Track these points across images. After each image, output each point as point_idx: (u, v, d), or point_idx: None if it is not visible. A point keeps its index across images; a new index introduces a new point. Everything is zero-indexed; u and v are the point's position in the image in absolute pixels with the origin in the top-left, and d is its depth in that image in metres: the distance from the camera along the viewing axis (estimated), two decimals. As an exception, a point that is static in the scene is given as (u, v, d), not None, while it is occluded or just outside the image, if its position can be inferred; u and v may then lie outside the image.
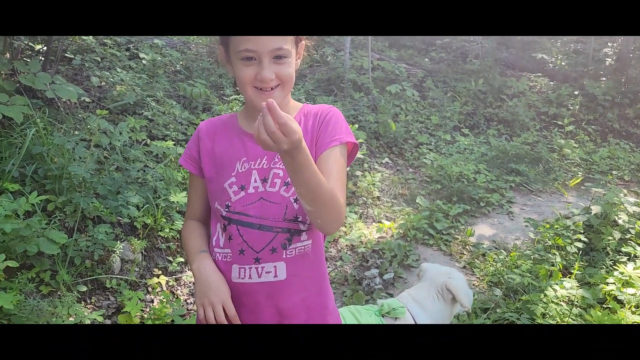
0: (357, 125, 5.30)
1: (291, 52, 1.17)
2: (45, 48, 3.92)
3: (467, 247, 4.00)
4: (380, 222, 4.24)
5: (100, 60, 4.88)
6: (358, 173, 4.89)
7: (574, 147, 6.63)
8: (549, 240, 3.83)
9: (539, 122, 7.36)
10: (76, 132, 3.41)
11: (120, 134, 3.42)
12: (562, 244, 3.69)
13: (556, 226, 3.87)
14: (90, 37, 4.95)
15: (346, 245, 3.83)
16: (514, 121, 7.17)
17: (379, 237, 3.98)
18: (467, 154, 5.94)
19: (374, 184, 4.72)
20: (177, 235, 3.24)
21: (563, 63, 9.09)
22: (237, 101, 4.98)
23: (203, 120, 4.50)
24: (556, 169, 5.94)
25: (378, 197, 4.69)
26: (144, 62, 5.17)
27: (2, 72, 3.21)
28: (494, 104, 7.54)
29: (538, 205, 4.93)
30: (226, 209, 1.24)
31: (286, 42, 1.15)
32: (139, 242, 2.96)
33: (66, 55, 4.65)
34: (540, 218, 4.50)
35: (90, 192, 2.79)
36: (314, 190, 1.03)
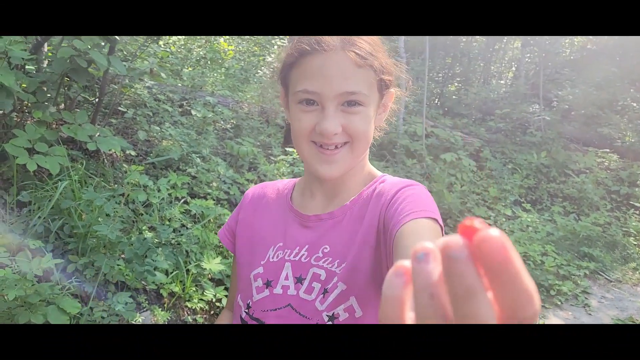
0: (410, 194, 4.94)
1: (370, 100, 0.82)
2: (97, 100, 3.88)
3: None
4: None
5: (152, 114, 4.84)
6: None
7: (653, 232, 5.93)
8: None
9: (610, 202, 6.72)
10: (114, 187, 3.23)
11: (159, 190, 3.21)
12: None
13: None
14: (145, 92, 4.96)
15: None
16: (581, 199, 6.57)
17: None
18: (531, 232, 5.39)
19: (427, 260, 4.26)
20: (206, 307, 2.90)
21: (633, 140, 8.47)
22: (284, 161, 4.76)
23: (248, 180, 4.12)
24: (635, 256, 5.26)
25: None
26: (195, 118, 5.10)
27: (48, 121, 3.11)
28: (558, 178, 6.99)
29: (619, 299, 4.27)
30: (246, 310, 0.91)
31: (363, 85, 0.80)
32: (162, 312, 2.63)
33: (119, 108, 4.64)
34: (624, 315, 3.86)
35: (117, 253, 2.53)
36: None
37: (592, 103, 8.58)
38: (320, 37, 0.80)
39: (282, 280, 0.88)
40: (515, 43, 11.14)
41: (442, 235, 0.76)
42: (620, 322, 3.48)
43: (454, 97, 10.08)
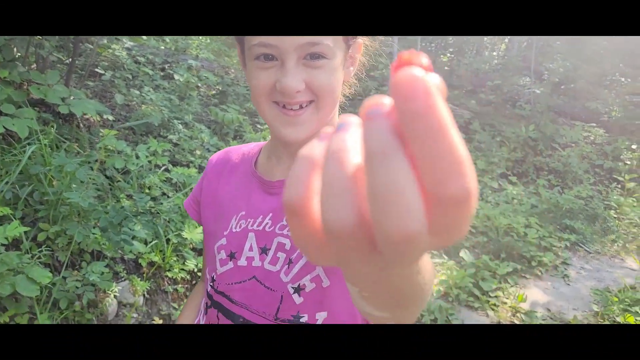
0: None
1: (335, 51, 0.72)
2: (70, 60, 3.69)
3: (517, 314, 3.45)
4: (417, 276, 3.74)
5: (131, 77, 4.65)
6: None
7: (634, 206, 5.98)
8: (617, 316, 3.26)
9: (593, 176, 6.75)
10: (89, 152, 3.10)
11: (138, 157, 3.09)
12: (634, 322, 3.12)
13: (625, 300, 3.29)
14: (124, 53, 4.75)
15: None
16: (566, 172, 6.60)
17: (415, 295, 3.47)
18: (515, 205, 5.40)
19: (412, 232, 4.23)
20: (188, 277, 2.84)
21: (619, 115, 8.47)
22: (269, 130, 4.64)
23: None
24: (615, 228, 5.31)
25: (416, 247, 4.19)
26: (177, 82, 4.92)
27: (16, 81, 2.95)
28: (545, 152, 6.99)
29: (597, 270, 4.31)
30: (211, 283, 0.85)
31: (326, 36, 0.71)
32: (142, 282, 2.56)
33: (96, 70, 4.44)
34: (601, 285, 3.90)
35: (91, 222, 2.43)
36: (407, 296, 0.40)
37: (581, 77, 8.52)
38: None
39: (246, 252, 0.81)
40: (507, 13, 10.96)
41: None
42: (600, 293, 3.50)
43: (446, 68, 9.93)
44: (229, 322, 0.80)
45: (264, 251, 0.79)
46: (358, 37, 0.79)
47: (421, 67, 0.22)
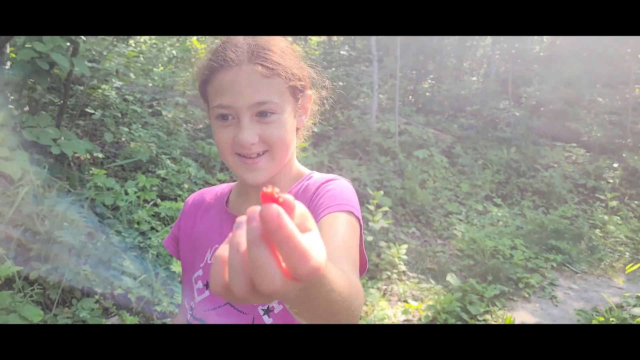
0: (382, 192, 4.97)
1: (283, 107, 0.86)
2: (62, 102, 3.80)
3: (505, 336, 3.50)
4: (406, 301, 3.80)
5: (120, 115, 4.76)
6: (382, 244, 4.49)
7: (618, 224, 6.12)
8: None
9: (577, 195, 6.91)
10: (82, 191, 3.17)
11: (127, 193, 3.17)
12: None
13: (611, 319, 3.37)
14: (113, 92, 4.87)
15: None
16: (550, 192, 6.74)
17: (404, 320, 3.53)
18: (501, 227, 5.50)
19: (399, 257, 4.31)
20: (176, 310, 2.88)
21: (599, 134, 8.71)
22: (256, 162, 4.74)
23: (220, 180, 4.17)
24: (601, 247, 5.42)
25: (404, 272, 4.26)
26: (165, 119, 5.04)
27: (9, 124, 3.04)
28: (528, 173, 7.15)
29: (585, 290, 4.40)
30: (190, 312, 0.95)
31: (274, 94, 0.84)
32: (131, 317, 2.61)
33: (87, 110, 4.55)
34: (589, 306, 3.98)
35: (82, 259, 2.49)
36: (326, 310, 0.55)
37: (559, 98, 8.78)
38: (228, 52, 0.83)
39: None
40: (486, 40, 11.31)
41: (359, 225, 0.82)
42: (584, 314, 3.58)
43: (427, 94, 10.18)
44: None
45: None
46: (306, 90, 0.92)
47: (275, 198, 0.38)
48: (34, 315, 2.02)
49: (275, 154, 0.87)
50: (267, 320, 0.85)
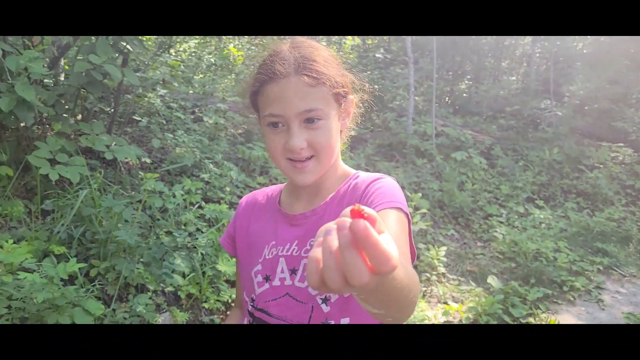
0: (420, 194, 4.97)
1: (328, 113, 0.93)
2: (113, 110, 4.01)
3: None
4: (446, 303, 3.80)
5: (165, 122, 4.97)
6: (421, 245, 4.50)
7: (669, 226, 5.88)
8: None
9: (625, 197, 6.67)
10: (132, 194, 3.35)
11: (174, 196, 3.32)
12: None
13: (661, 322, 3.27)
14: (158, 100, 5.09)
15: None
16: (595, 194, 6.54)
17: (445, 322, 3.53)
18: (543, 229, 5.40)
19: (438, 259, 4.31)
20: (223, 308, 3.00)
21: (647, 133, 8.38)
22: (296, 165, 4.85)
23: (260, 184, 4.29)
24: (650, 250, 5.24)
25: (443, 274, 4.25)
26: (206, 124, 5.22)
27: (67, 132, 3.25)
28: (572, 174, 6.96)
29: (634, 294, 4.26)
30: (251, 303, 1.04)
31: (320, 102, 0.91)
32: (181, 313, 2.74)
33: (134, 117, 4.77)
34: (638, 310, 3.86)
35: (136, 257, 2.64)
36: (389, 297, 0.64)
37: (605, 97, 8.51)
38: (276, 65, 0.91)
39: (279, 274, 0.99)
40: (525, 38, 11.08)
41: (407, 220, 0.89)
42: (634, 317, 3.48)
43: (464, 95, 10.07)
44: None
45: (293, 272, 0.98)
46: (349, 95, 1.00)
47: (361, 214, 0.47)
48: (96, 309, 2.16)
49: (321, 157, 0.95)
50: (325, 308, 0.93)
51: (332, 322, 0.93)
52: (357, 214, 0.48)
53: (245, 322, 1.07)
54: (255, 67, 0.99)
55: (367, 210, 0.48)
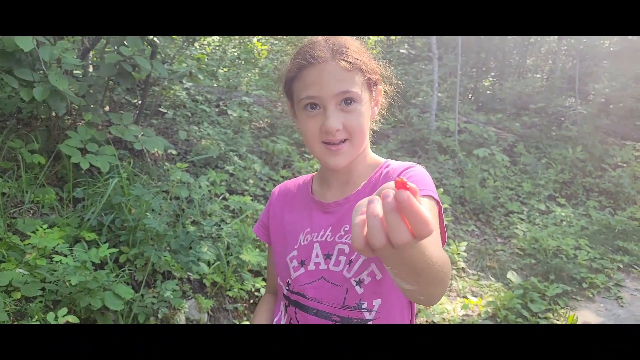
0: (442, 189, 4.98)
1: (362, 97, 0.98)
2: (140, 102, 4.11)
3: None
4: (465, 297, 3.81)
5: (190, 115, 5.07)
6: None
7: (694, 227, 5.76)
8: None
9: (648, 196, 6.56)
10: (158, 184, 3.44)
11: (200, 187, 3.40)
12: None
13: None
14: (184, 93, 5.18)
15: (425, 323, 3.44)
16: (618, 193, 6.45)
17: (463, 315, 3.55)
18: (564, 227, 5.35)
19: (458, 254, 4.32)
20: (246, 296, 3.07)
21: (674, 132, 8.19)
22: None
23: (283, 177, 4.38)
24: (673, 250, 5.15)
25: (463, 269, 4.26)
26: (231, 117, 5.30)
27: (97, 122, 3.35)
28: (594, 173, 6.87)
29: (654, 293, 4.22)
30: (287, 287, 1.08)
31: (355, 85, 0.96)
32: (206, 301, 2.82)
33: (160, 109, 4.88)
34: (659, 309, 3.82)
35: (164, 245, 2.73)
36: (421, 271, 0.68)
37: (630, 96, 8.34)
38: (314, 51, 0.96)
39: (314, 258, 1.04)
40: (551, 36, 10.91)
41: (438, 207, 0.93)
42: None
43: (488, 92, 9.97)
44: (305, 314, 1.03)
45: (327, 257, 1.03)
46: (378, 84, 1.04)
47: (405, 185, 0.54)
48: (126, 293, 2.25)
49: (355, 140, 0.99)
50: (359, 290, 0.97)
51: (365, 304, 0.97)
52: (401, 185, 0.55)
53: (282, 305, 1.12)
54: (289, 56, 1.03)
55: (409, 183, 0.55)
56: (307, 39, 1.02)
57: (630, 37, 10.64)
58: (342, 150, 0.98)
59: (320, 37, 1.00)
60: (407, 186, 0.55)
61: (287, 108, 1.09)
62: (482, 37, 9.33)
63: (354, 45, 0.99)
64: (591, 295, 4.04)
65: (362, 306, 0.98)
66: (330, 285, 1.00)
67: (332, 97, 0.95)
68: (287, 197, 1.18)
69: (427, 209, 0.87)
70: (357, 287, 0.98)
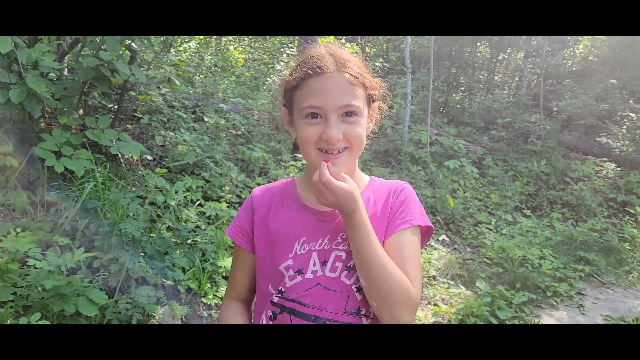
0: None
1: (363, 111, 1.02)
2: (117, 107, 4.08)
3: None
4: (436, 304, 3.91)
5: (166, 120, 5.04)
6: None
7: (649, 238, 6.06)
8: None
9: (607, 209, 6.87)
10: (133, 189, 3.42)
11: (176, 193, 3.40)
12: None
13: (640, 328, 3.41)
14: (160, 99, 5.16)
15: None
16: (579, 205, 6.73)
17: (434, 322, 3.64)
18: (530, 237, 5.55)
19: (429, 262, 4.43)
20: (220, 303, 3.08)
21: (630, 149, 8.60)
22: (293, 167, 4.94)
23: (259, 184, 4.41)
24: (629, 260, 5.42)
25: (434, 277, 4.37)
26: (207, 124, 5.30)
27: (72, 126, 3.31)
28: (558, 186, 7.15)
29: (612, 300, 4.42)
30: (279, 295, 1.07)
31: (357, 98, 1.01)
32: (180, 307, 2.81)
33: (135, 114, 4.83)
34: (615, 315, 4.01)
35: (139, 251, 2.71)
36: (367, 262, 0.97)
37: (591, 113, 8.75)
38: (320, 62, 1.00)
39: (311, 267, 1.05)
40: (518, 54, 11.33)
41: (424, 231, 1.11)
42: (612, 320, 3.63)
43: (458, 106, 10.25)
44: (302, 321, 1.03)
45: (324, 263, 1.05)
46: (375, 101, 1.09)
47: (327, 160, 0.99)
48: (100, 299, 2.23)
49: (354, 150, 1.03)
50: (359, 297, 1.01)
51: (364, 310, 1.02)
52: (326, 160, 0.97)
53: (267, 313, 1.08)
54: (292, 67, 1.07)
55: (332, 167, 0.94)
56: (311, 51, 1.04)
57: (590, 57, 11.16)
58: (340, 159, 1.01)
59: (323, 50, 1.03)
60: (328, 161, 0.97)
61: (282, 115, 1.11)
62: (453, 53, 9.61)
63: (355, 61, 1.04)
64: (555, 303, 4.20)
65: (361, 312, 1.02)
66: (328, 291, 1.02)
67: (335, 108, 0.98)
68: (272, 202, 1.15)
69: (409, 245, 1.05)
70: (357, 294, 1.02)
